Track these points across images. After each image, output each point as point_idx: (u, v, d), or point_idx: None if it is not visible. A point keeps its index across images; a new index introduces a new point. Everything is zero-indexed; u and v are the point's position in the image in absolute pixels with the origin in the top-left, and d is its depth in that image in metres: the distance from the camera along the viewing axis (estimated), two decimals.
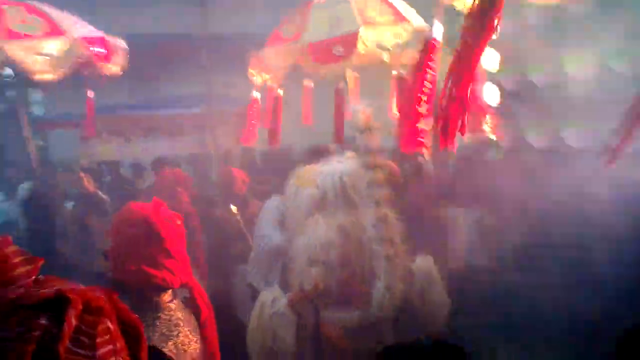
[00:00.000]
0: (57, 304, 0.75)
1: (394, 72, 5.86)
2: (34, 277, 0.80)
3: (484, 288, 4.07)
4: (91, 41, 4.76)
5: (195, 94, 6.70)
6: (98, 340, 0.76)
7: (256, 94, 6.02)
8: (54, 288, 0.77)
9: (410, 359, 1.07)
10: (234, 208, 4.47)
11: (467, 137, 4.62)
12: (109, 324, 0.79)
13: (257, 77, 5.49)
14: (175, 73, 6.88)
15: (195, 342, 1.90)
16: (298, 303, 3.75)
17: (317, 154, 4.85)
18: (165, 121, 6.51)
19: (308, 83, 6.32)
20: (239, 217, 4.37)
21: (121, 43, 5.00)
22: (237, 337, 3.02)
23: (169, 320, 1.85)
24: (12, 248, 0.82)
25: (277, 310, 3.78)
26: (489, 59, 5.36)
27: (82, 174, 5.80)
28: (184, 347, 1.82)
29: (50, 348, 0.71)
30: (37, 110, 9.70)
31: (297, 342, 3.68)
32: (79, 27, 4.86)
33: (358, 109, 3.59)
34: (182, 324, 1.87)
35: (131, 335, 0.84)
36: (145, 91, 6.99)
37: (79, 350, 0.74)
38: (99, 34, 4.86)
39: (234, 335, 2.56)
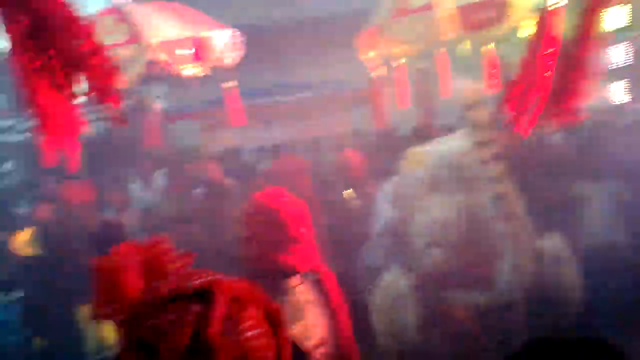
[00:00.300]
0: (207, 294, 0.84)
1: (488, 46, 5.50)
2: (186, 269, 0.91)
3: (624, 268, 3.76)
4: (176, 44, 4.95)
5: (311, 78, 6.82)
6: (244, 325, 0.84)
7: (380, 72, 5.76)
8: (204, 279, 0.86)
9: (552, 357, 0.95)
10: (351, 191, 4.51)
11: (591, 104, 4.27)
12: (253, 312, 0.86)
13: (373, 56, 5.31)
14: (292, 59, 7.05)
15: (324, 324, 1.95)
16: (419, 285, 3.74)
17: (422, 134, 4.76)
18: (284, 107, 6.69)
19: (402, 62, 5.93)
20: (356, 200, 4.41)
21: (235, 34, 5.18)
22: (364, 318, 3.07)
23: (297, 303, 1.93)
24: (166, 245, 0.93)
25: (398, 292, 3.80)
26: (617, 16, 4.87)
27: (208, 162, 6.17)
28: (312, 329, 1.88)
29: (203, 332, 0.80)
30: (162, 103, 10.45)
31: (420, 325, 3.68)
32: (167, 30, 5.04)
33: (463, 85, 3.47)
34: (310, 307, 1.94)
35: (273, 322, 0.90)
36: (263, 79, 7.22)
37: (228, 335, 0.81)
38: (188, 34, 5.00)
39: (360, 317, 2.60)
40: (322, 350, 1.89)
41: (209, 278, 0.87)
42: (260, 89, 6.92)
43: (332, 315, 2.08)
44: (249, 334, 0.84)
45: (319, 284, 2.11)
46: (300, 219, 2.03)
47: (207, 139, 6.69)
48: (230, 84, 5.17)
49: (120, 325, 0.86)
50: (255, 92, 6.74)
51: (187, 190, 5.14)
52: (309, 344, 1.84)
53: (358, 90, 6.19)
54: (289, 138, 6.97)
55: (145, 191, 6.37)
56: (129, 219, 5.28)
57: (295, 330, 1.83)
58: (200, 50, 4.99)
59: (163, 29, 5.12)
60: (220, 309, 0.82)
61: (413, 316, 3.72)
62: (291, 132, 6.72)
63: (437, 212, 3.52)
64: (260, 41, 6.21)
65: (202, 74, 4.64)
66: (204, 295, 0.84)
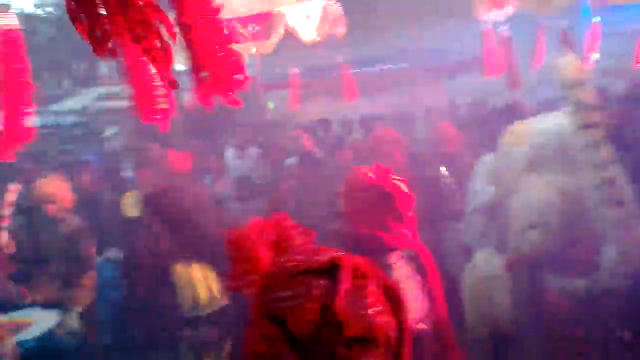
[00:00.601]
0: (332, 269, 0.87)
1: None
2: (310, 245, 0.95)
3: None
4: (245, 20, 4.88)
5: (403, 49, 6.68)
6: (368, 300, 0.85)
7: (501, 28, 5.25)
8: (330, 255, 0.89)
9: None
10: (443, 168, 4.41)
11: None
12: (374, 288, 0.88)
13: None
14: (384, 30, 6.91)
15: (420, 301, 1.96)
16: (515, 266, 3.63)
17: (511, 110, 4.52)
18: (375, 78, 6.61)
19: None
20: (449, 177, 4.32)
21: (333, 5, 5.13)
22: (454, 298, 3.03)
23: (396, 280, 1.93)
24: (290, 222, 0.98)
25: (491, 273, 3.71)
26: None
27: (300, 132, 6.25)
28: (410, 306, 1.88)
29: (330, 306, 0.83)
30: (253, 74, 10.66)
31: (513, 307, 3.60)
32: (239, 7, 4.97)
33: (564, 61, 3.26)
34: (408, 284, 1.94)
35: (392, 298, 0.91)
36: (355, 50, 7.15)
37: (354, 309, 0.84)
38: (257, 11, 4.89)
39: (449, 296, 2.57)
40: (419, 327, 1.90)
41: (334, 254, 0.90)
42: (355, 60, 6.86)
43: (429, 292, 2.08)
44: (373, 309, 0.86)
45: (416, 261, 2.10)
46: (403, 196, 2.02)
47: (301, 108, 6.76)
48: (340, 58, 5.13)
49: (252, 297, 0.91)
50: (350, 63, 6.71)
51: (280, 159, 5.25)
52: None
53: (460, 60, 5.94)
54: (382, 110, 6.91)
55: (239, 159, 6.58)
56: (224, 187, 5.49)
57: None
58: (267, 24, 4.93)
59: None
60: (346, 283, 0.85)
61: (505, 298, 3.64)
62: (384, 104, 6.65)
63: (537, 192, 3.38)
64: (357, 10, 6.10)
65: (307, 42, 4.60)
66: (329, 270, 0.87)
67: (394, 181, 2.04)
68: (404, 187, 2.06)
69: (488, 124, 4.81)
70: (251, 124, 7.30)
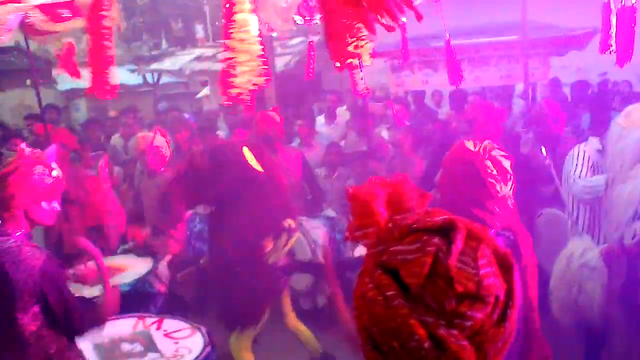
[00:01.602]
0: (446, 230, 0.90)
1: None
2: (425, 208, 0.98)
3: None
4: None
5: (507, 21, 6.32)
6: (479, 262, 0.88)
7: None
8: (445, 217, 0.92)
9: None
10: (543, 149, 4.17)
11: None
12: (487, 251, 0.90)
13: None
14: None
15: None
16: (613, 257, 3.42)
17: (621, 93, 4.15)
18: (473, 50, 6.32)
19: None
20: (547, 158, 4.08)
21: None
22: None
23: None
24: (409, 185, 1.00)
25: (587, 262, 3.53)
26: None
27: (389, 103, 6.15)
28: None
29: (443, 262, 0.86)
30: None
31: (605, 299, 3.41)
32: None
33: None
34: None
35: (502, 265, 0.92)
36: (455, 20, 6.86)
37: (465, 267, 0.87)
38: None
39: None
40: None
41: (449, 216, 0.92)
42: (456, 29, 6.58)
43: (523, 274, 1.99)
44: (484, 270, 0.88)
45: (513, 243, 2.01)
46: (504, 175, 1.92)
47: (394, 79, 6.63)
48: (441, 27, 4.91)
49: (368, 248, 0.94)
50: (451, 32, 6.44)
51: (370, 128, 5.20)
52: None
53: (573, 35, 5.52)
54: (480, 83, 6.63)
55: (329, 126, 6.60)
56: (314, 152, 5.52)
57: None
58: None
59: None
60: (459, 243, 0.88)
61: (598, 289, 3.46)
62: (483, 77, 6.36)
63: None
64: None
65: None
66: (443, 231, 0.90)
67: (499, 158, 1.94)
68: (507, 165, 1.96)
69: (596, 105, 4.51)
70: (342, 91, 7.26)
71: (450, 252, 0.87)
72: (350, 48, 1.83)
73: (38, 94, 4.74)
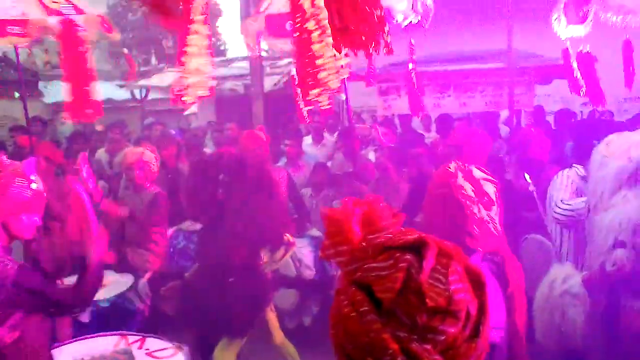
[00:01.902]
0: (418, 248, 0.93)
1: None
2: (398, 227, 1.01)
3: None
4: None
5: (493, 49, 6.43)
6: (450, 278, 0.91)
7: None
8: (416, 235, 0.95)
9: None
10: (527, 176, 4.22)
11: None
12: (458, 268, 0.93)
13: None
14: (472, 27, 6.71)
15: (498, 310, 1.87)
16: (595, 284, 3.44)
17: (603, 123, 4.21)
18: (459, 77, 6.40)
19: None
20: (531, 185, 4.13)
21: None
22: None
23: None
24: (382, 205, 1.04)
25: (569, 289, 3.54)
26: None
27: (376, 126, 6.19)
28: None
29: (415, 278, 0.89)
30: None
31: (587, 325, 3.42)
32: None
33: None
34: (488, 289, 1.86)
35: (474, 281, 0.96)
36: (441, 46, 6.98)
37: (436, 283, 0.90)
38: None
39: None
40: (493, 334, 1.81)
41: (421, 234, 0.95)
42: (442, 55, 6.68)
43: (510, 300, 1.98)
44: (454, 286, 0.91)
45: (500, 267, 2.01)
46: (481, 199, 1.93)
47: (380, 102, 6.68)
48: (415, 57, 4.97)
49: (341, 266, 0.98)
50: (437, 58, 6.54)
51: (356, 150, 5.22)
52: None
53: (554, 62, 5.62)
54: (466, 109, 6.69)
55: (316, 146, 6.61)
56: (301, 172, 5.53)
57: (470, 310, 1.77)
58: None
59: None
60: (430, 259, 0.91)
61: (580, 315, 3.47)
62: (469, 103, 6.44)
63: (630, 210, 3.17)
64: (447, 2, 5.91)
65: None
66: (415, 249, 0.93)
67: (481, 181, 1.95)
68: (489, 189, 1.97)
69: (579, 133, 4.56)
70: (329, 112, 7.29)
71: (422, 268, 0.90)
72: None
73: (25, 106, 4.71)
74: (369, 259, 0.94)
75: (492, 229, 1.96)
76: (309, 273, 4.53)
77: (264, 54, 9.61)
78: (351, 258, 0.97)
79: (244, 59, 11.90)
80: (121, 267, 4.40)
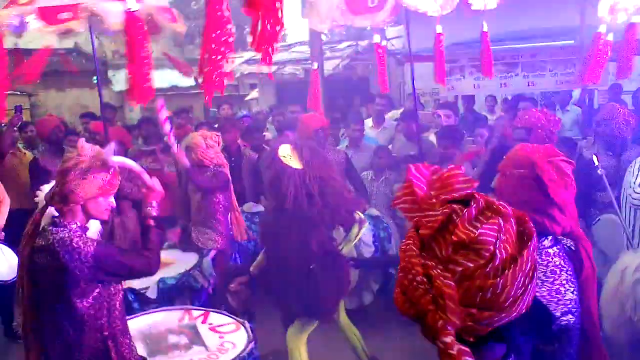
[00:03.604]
0: (468, 202, 1.10)
1: None
2: (469, 190, 1.13)
3: None
4: None
5: (563, 26, 6.13)
6: (485, 226, 1.05)
7: None
8: (468, 193, 1.12)
9: None
10: (594, 158, 4.02)
11: None
12: (501, 222, 1.07)
13: None
14: (542, 3, 6.38)
15: (572, 292, 1.80)
16: None
17: None
18: (527, 55, 6.15)
19: None
20: (599, 167, 3.92)
21: None
22: None
23: (546, 266, 1.79)
24: (458, 172, 1.17)
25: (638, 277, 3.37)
26: None
27: (434, 110, 6.04)
28: (558, 295, 1.74)
29: (455, 222, 1.07)
30: (396, 45, 10.47)
31: None
32: None
33: None
34: (558, 272, 1.79)
35: (523, 239, 1.10)
36: (509, 23, 6.71)
37: (470, 227, 1.05)
38: None
39: None
40: (567, 317, 1.75)
41: (474, 193, 1.12)
42: (510, 33, 6.42)
43: (583, 285, 1.90)
44: (484, 230, 1.04)
45: (573, 251, 1.93)
46: (560, 180, 1.84)
47: (446, 83, 6.49)
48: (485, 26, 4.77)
49: (404, 212, 1.19)
50: (505, 36, 6.29)
51: (417, 133, 5.12)
52: (555, 308, 1.72)
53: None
54: (535, 89, 6.43)
55: (377, 129, 6.54)
56: (361, 155, 5.50)
57: (540, 293, 1.72)
58: None
59: None
60: (472, 210, 1.07)
61: None
62: (540, 82, 6.17)
63: None
64: None
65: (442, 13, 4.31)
66: (467, 202, 1.09)
67: (560, 162, 1.87)
68: (568, 170, 1.88)
69: None
70: (387, 95, 7.19)
71: (462, 216, 1.06)
72: None
73: (100, 94, 4.90)
74: (430, 209, 1.12)
75: (570, 211, 1.89)
76: (369, 251, 4.53)
77: (323, 37, 9.57)
78: (417, 208, 1.16)
79: (304, 43, 11.91)
80: (186, 245, 4.54)
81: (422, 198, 1.15)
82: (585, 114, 5.55)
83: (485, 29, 4.88)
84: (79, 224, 2.31)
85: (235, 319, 3.27)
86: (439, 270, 1.04)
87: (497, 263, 1.03)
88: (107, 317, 2.34)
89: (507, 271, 1.03)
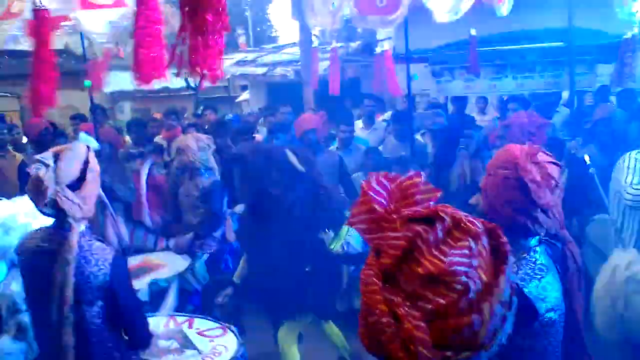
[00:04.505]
0: (434, 220, 0.96)
1: None
2: (431, 202, 1.01)
3: None
4: None
5: (551, 28, 6.18)
6: (455, 251, 0.92)
7: None
8: (432, 207, 0.98)
9: None
10: (586, 157, 4.06)
11: None
12: (472, 244, 0.93)
13: None
14: (531, 3, 6.42)
15: (557, 291, 1.81)
16: None
17: None
18: (516, 57, 6.19)
19: None
20: (592, 167, 3.97)
21: None
22: None
23: (533, 263, 1.81)
24: (419, 179, 1.04)
25: (633, 275, 3.41)
26: None
27: (432, 110, 6.07)
28: (544, 292, 1.76)
29: (420, 248, 0.93)
30: (386, 46, 10.51)
31: None
32: None
33: None
34: (546, 270, 1.81)
35: (498, 261, 0.96)
36: (497, 25, 6.76)
37: (439, 255, 0.92)
38: None
39: None
40: (550, 314, 1.77)
41: (439, 208, 0.98)
42: (499, 34, 6.46)
43: (568, 284, 1.92)
44: (455, 258, 0.91)
45: (559, 250, 1.95)
46: (548, 181, 1.84)
47: (436, 84, 6.54)
48: (473, 31, 4.85)
49: (363, 234, 1.03)
50: (493, 37, 6.34)
51: (406, 135, 5.15)
52: (540, 306, 1.73)
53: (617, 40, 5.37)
54: (522, 90, 6.48)
55: (367, 130, 6.56)
56: (352, 156, 5.51)
57: (528, 288, 1.73)
58: None
59: None
60: (438, 231, 0.93)
61: None
62: (528, 84, 6.21)
63: None
64: None
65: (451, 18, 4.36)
66: (432, 221, 0.96)
67: (545, 163, 1.87)
68: (553, 172, 1.88)
69: None
70: (377, 96, 7.22)
71: (426, 238, 0.93)
72: None
73: (91, 96, 4.90)
74: (394, 230, 0.97)
75: (556, 212, 1.89)
76: (357, 250, 4.56)
77: (314, 39, 9.59)
78: (375, 227, 1.00)
79: (295, 44, 11.93)
80: (179, 248, 4.52)
81: (381, 215, 1.00)
82: (574, 115, 5.60)
83: (473, 33, 4.94)
84: (87, 225, 2.27)
85: (220, 324, 3.26)
86: (406, 309, 0.91)
87: (471, 296, 0.91)
88: (112, 334, 2.29)
89: (483, 304, 0.91)
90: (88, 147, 2.24)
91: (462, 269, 0.91)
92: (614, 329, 3.47)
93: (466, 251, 0.92)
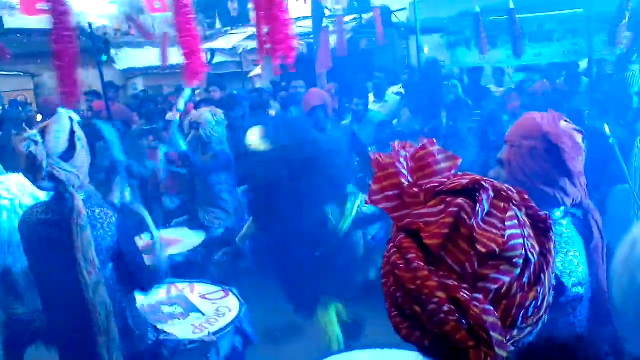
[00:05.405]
0: (471, 192, 0.86)
1: None
2: (453, 171, 0.93)
3: None
4: None
5: None
6: (507, 223, 0.84)
7: None
8: (470, 178, 0.88)
9: None
10: (606, 127, 3.96)
11: None
12: (517, 213, 0.86)
13: None
14: None
15: (583, 264, 1.77)
16: None
17: None
18: (535, 25, 6.03)
19: None
20: (612, 137, 3.87)
21: None
22: None
23: (559, 236, 1.76)
24: (436, 147, 0.95)
25: None
26: None
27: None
28: (570, 267, 1.72)
29: (466, 223, 0.83)
30: (400, 17, 10.32)
31: None
32: None
33: None
34: (571, 244, 1.76)
35: (539, 228, 0.89)
36: None
37: (490, 229, 0.83)
38: None
39: None
40: (577, 289, 1.73)
41: (476, 177, 0.89)
42: (518, 3, 6.28)
43: (592, 255, 1.87)
44: (510, 231, 0.84)
45: (582, 223, 1.89)
46: (573, 149, 1.75)
47: (451, 55, 6.41)
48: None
49: (390, 212, 0.91)
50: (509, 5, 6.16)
51: (422, 107, 5.07)
52: (566, 280, 1.69)
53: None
54: (541, 59, 6.31)
55: (378, 104, 6.48)
56: (366, 130, 5.45)
57: (557, 262, 1.69)
58: None
59: None
60: (484, 203, 0.84)
61: None
62: (548, 53, 6.04)
63: None
64: None
65: None
66: (469, 193, 0.87)
67: (570, 130, 1.79)
68: (579, 139, 1.81)
69: None
70: (388, 69, 7.11)
71: (474, 213, 0.83)
72: None
73: (101, 73, 4.89)
74: (420, 205, 0.88)
75: (582, 181, 1.83)
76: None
77: (326, 12, 9.45)
78: (400, 204, 0.90)
79: (307, 17, 11.76)
80: (194, 224, 4.56)
81: (406, 190, 0.90)
82: (593, 85, 5.45)
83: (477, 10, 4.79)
84: None
85: (221, 287, 3.34)
86: (467, 293, 0.82)
87: (532, 269, 0.85)
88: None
89: (542, 275, 0.86)
90: (71, 117, 2.26)
91: (519, 241, 0.84)
92: (633, 304, 3.42)
93: (515, 222, 0.85)
